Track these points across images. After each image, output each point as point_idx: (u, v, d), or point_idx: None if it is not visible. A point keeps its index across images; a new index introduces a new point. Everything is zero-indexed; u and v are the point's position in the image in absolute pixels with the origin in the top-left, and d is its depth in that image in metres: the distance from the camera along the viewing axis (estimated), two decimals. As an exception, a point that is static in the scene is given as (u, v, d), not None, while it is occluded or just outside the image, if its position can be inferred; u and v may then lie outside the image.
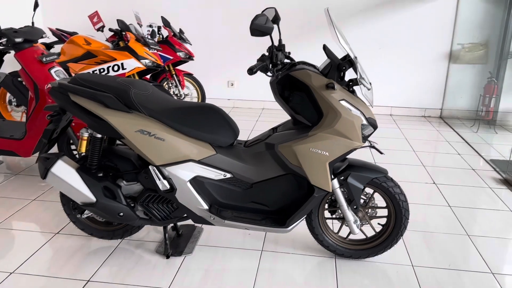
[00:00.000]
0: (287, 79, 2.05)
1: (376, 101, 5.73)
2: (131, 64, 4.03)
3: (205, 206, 2.16)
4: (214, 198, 2.19)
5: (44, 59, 3.10)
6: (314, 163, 2.03)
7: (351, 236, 2.42)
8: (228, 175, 2.15)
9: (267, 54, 2.09)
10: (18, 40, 3.02)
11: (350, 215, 2.21)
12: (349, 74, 2.12)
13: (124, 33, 4.20)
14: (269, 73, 2.02)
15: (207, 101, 5.87)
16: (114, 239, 2.47)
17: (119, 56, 4.04)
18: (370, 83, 2.14)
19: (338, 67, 2.02)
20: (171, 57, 4.74)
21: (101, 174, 2.21)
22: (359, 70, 2.04)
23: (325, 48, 2.03)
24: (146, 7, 5.63)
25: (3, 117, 4.46)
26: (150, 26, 4.82)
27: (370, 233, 2.46)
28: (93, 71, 4.05)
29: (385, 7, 5.36)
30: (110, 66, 4.04)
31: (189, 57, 4.91)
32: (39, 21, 5.84)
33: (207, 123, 2.12)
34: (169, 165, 2.10)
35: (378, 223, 2.38)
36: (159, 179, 2.11)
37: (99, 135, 2.16)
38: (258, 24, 1.80)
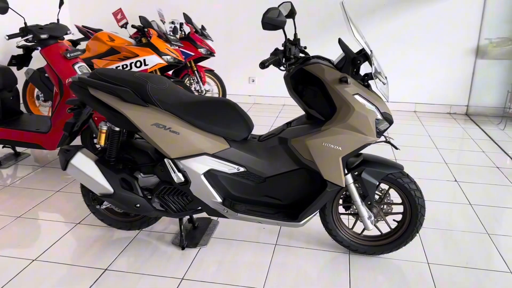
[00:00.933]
0: (301, 73, 2.06)
1: (400, 97, 5.64)
2: (153, 60, 4.10)
3: (219, 199, 2.18)
4: (227, 192, 2.22)
5: (68, 55, 3.20)
6: (327, 157, 2.02)
7: (366, 232, 2.40)
8: (242, 169, 2.17)
9: (281, 48, 2.09)
10: (44, 36, 3.12)
11: (364, 211, 2.20)
12: (365, 69, 2.11)
13: (146, 30, 4.28)
14: (282, 67, 2.02)
15: (228, 97, 5.91)
16: (132, 229, 2.54)
17: (141, 52, 4.11)
18: (386, 77, 2.11)
19: (353, 61, 2.00)
20: (193, 54, 4.79)
21: (119, 167, 2.27)
22: (375, 64, 2.02)
23: (340, 41, 2.02)
24: (169, 4, 5.71)
25: (31, 111, 4.62)
26: (172, 22, 4.89)
27: (385, 229, 2.44)
28: (116, 67, 4.14)
29: (409, 0, 5.26)
30: (132, 62, 4.11)
31: (210, 53, 4.95)
32: (66, 18, 6.00)
33: (221, 117, 2.14)
34: (184, 158, 2.13)
35: (394, 220, 2.35)
36: (174, 172, 2.15)
37: (117, 128, 2.22)
38: (270, 18, 1.81)
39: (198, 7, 5.71)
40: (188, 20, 4.87)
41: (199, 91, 5.00)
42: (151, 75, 2.24)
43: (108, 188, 2.20)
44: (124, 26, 4.61)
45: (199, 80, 4.97)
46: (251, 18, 5.65)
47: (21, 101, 4.99)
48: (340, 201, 2.33)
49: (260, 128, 4.78)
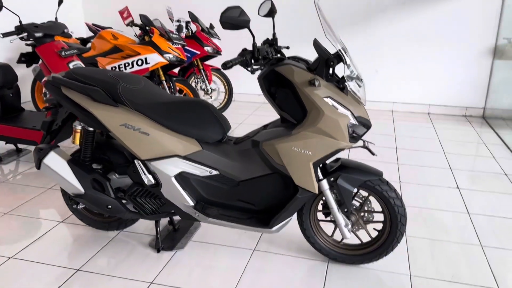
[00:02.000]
0: (273, 74, 1.98)
1: (413, 99, 5.45)
2: (154, 59, 4.09)
3: (191, 203, 2.14)
4: (200, 195, 2.16)
5: (63, 53, 3.22)
6: (297, 162, 1.94)
7: (346, 241, 2.30)
8: (214, 172, 2.11)
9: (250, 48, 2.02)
10: (38, 35, 3.15)
11: (341, 218, 2.10)
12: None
13: (149, 28, 4.27)
14: (249, 68, 1.95)
15: (236, 96, 5.86)
16: (110, 230, 2.52)
17: (142, 50, 4.11)
18: (362, 80, 2.01)
19: (326, 63, 1.91)
20: (198, 52, 4.76)
21: (92, 167, 2.25)
22: (351, 66, 1.92)
23: (315, 42, 1.94)
24: (179, 2, 5.70)
25: (39, 108, 4.70)
26: (178, 21, 4.87)
27: (366, 238, 2.33)
28: (119, 65, 4.16)
29: (424, -1, 5.07)
30: (134, 61, 4.12)
31: (217, 52, 4.91)
32: (79, 16, 6.09)
33: (194, 118, 2.09)
34: (154, 159, 2.09)
35: (374, 228, 2.24)
36: (144, 174, 2.11)
37: (91, 128, 2.20)
38: (229, 17, 1.74)
39: (208, 5, 5.67)
40: (193, 18, 4.85)
41: (205, 90, 4.97)
42: (127, 74, 2.21)
43: (79, 188, 2.18)
44: (130, 24, 4.63)
45: (205, 78, 4.94)
46: (260, 17, 5.57)
47: (30, 98, 5.10)
48: (320, 207, 2.24)
49: (264, 128, 4.70)
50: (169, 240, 2.46)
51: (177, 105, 2.11)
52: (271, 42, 2.13)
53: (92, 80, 2.11)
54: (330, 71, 1.95)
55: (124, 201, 2.26)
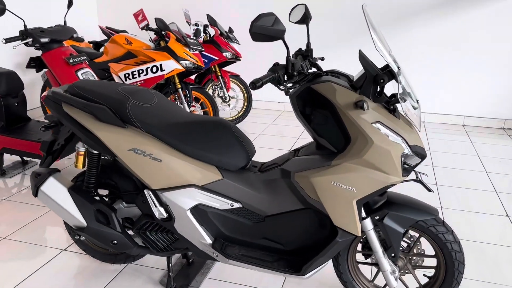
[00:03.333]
0: (309, 93, 1.66)
1: (447, 109, 5.06)
2: (170, 66, 3.80)
3: (208, 240, 1.83)
4: (219, 231, 1.85)
5: (71, 60, 2.95)
6: (337, 200, 1.62)
7: (389, 286, 1.97)
8: (236, 205, 1.80)
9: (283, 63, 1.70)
10: (44, 40, 2.89)
11: (386, 263, 1.77)
12: (392, 89, 1.68)
13: (164, 33, 3.99)
14: (281, 87, 1.63)
15: (255, 104, 5.55)
16: (117, 263, 2.23)
17: (158, 56, 3.83)
18: (418, 100, 1.67)
19: (375, 80, 1.58)
20: (216, 58, 4.47)
21: (96, 195, 1.97)
22: (402, 83, 1.59)
23: (360, 54, 1.61)
24: (197, 5, 5.42)
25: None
26: (196, 24, 4.59)
27: (413, 284, 1.99)
28: (132, 72, 3.88)
29: (457, 2, 4.69)
30: (149, 67, 3.84)
31: (236, 57, 4.61)
32: (93, 20, 5.85)
33: (213, 142, 1.79)
34: (167, 189, 1.79)
35: (424, 275, 1.90)
36: (155, 206, 1.81)
37: (96, 151, 1.92)
38: (261, 27, 1.43)
39: (227, 7, 5.38)
40: (212, 22, 4.55)
41: (223, 97, 4.67)
42: (139, 89, 1.92)
43: (81, 220, 1.89)
44: (145, 28, 4.36)
45: (223, 85, 4.64)
46: (281, 20, 5.25)
47: (39, 104, 4.87)
48: (359, 247, 1.92)
49: (287, 140, 4.38)
50: (183, 276, 2.16)
51: (195, 126, 1.80)
52: (305, 54, 1.81)
53: (97, 96, 1.82)
54: (378, 90, 1.62)
55: (131, 234, 1.96)
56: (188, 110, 4.04)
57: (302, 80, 1.65)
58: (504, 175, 3.56)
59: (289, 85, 1.63)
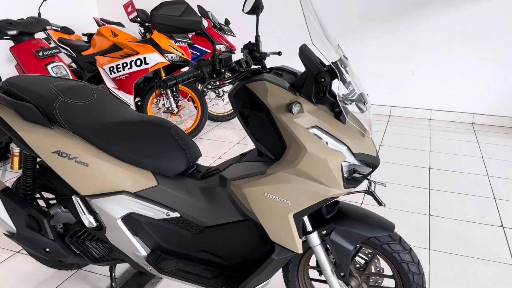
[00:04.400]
0: (246, 92, 1.47)
1: (455, 106, 4.75)
2: (153, 59, 3.66)
3: (143, 252, 1.68)
4: (156, 242, 1.70)
5: (40, 54, 2.84)
6: (272, 213, 1.43)
7: (346, 307, 1.77)
8: (173, 214, 1.64)
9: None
10: (12, 32, 2.78)
11: (335, 283, 1.57)
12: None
13: (149, 25, 3.85)
14: (209, 86, 1.45)
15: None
16: (63, 269, 2.11)
17: (141, 49, 3.69)
18: (366, 102, 1.46)
19: (316, 78, 1.38)
20: (208, 51, 4.31)
21: (31, 198, 1.84)
22: (348, 82, 1.39)
23: (301, 50, 1.41)
24: (196, -4, 5.26)
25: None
26: (187, 16, 4.41)
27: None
28: (116, 65, 3.76)
29: (471, -8, 4.37)
30: (133, 61, 3.71)
31: (230, 50, 4.43)
32: (92, 11, 5.76)
33: (148, 144, 1.63)
34: (96, 196, 1.64)
35: (383, 296, 1.70)
36: (84, 214, 1.67)
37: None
38: (166, 17, 1.24)
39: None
40: (203, 13, 4.38)
41: (216, 92, 4.51)
42: (75, 85, 1.77)
43: (11, 225, 1.77)
44: (134, 19, 4.23)
45: (216, 80, 4.47)
46: (284, 10, 5.04)
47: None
48: (312, 262, 1.73)
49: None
50: (133, 285, 2.02)
51: (129, 126, 1.65)
52: (251, 48, 1.62)
53: (27, 93, 1.68)
54: (322, 90, 1.42)
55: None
56: (174, 105, 3.90)
57: (237, 78, 1.47)
58: (508, 180, 3.27)
59: (213, 83, 1.44)
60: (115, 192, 1.63)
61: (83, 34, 4.83)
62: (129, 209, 1.64)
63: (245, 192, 1.45)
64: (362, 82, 1.53)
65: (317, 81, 1.39)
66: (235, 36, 4.60)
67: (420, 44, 4.67)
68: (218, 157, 3.68)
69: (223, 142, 4.07)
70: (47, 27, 3.01)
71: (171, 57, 3.72)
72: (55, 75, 2.88)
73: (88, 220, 1.66)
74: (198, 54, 4.32)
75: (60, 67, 2.95)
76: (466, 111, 4.73)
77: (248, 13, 1.67)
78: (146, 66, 3.69)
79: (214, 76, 1.40)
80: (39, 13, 3.18)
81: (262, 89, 1.40)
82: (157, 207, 1.64)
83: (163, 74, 3.87)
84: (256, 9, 1.65)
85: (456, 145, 4.02)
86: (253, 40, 1.62)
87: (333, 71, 1.38)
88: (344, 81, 1.38)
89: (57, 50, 2.96)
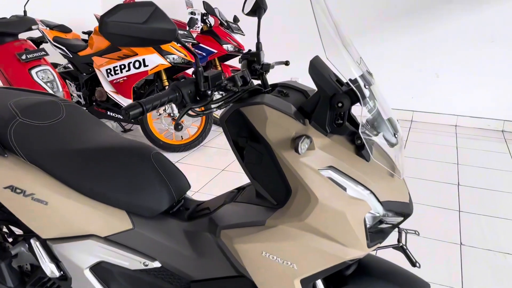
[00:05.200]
0: (241, 117, 1.15)
1: (483, 112, 4.35)
2: (153, 60, 3.36)
3: (115, 309, 1.37)
4: (132, 297, 1.39)
5: (23, 57, 2.56)
6: (271, 277, 1.11)
7: None
8: (152, 264, 1.33)
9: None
10: (-10, 33, 2.50)
11: None
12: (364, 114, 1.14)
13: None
14: (191, 112, 1.13)
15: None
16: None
17: (141, 50, 3.39)
18: (396, 133, 1.12)
19: (331, 102, 1.05)
20: (215, 51, 3.98)
21: None
22: (372, 106, 1.06)
23: (312, 64, 1.08)
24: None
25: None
26: (192, 13, 4.10)
27: None
28: (114, 67, 3.47)
29: (505, -14, 3.95)
30: (131, 62, 3.41)
31: (239, 50, 4.10)
32: (96, 9, 5.48)
33: (123, 176, 1.32)
34: (59, 240, 1.34)
35: None
36: (44, 262, 1.37)
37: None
38: (123, 25, 0.90)
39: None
40: (209, 10, 4.05)
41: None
42: (39, 102, 1.47)
43: (-39, 271, 1.48)
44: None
45: (223, 82, 4.15)
46: (296, 7, 4.68)
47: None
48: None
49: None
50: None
51: (99, 153, 1.34)
52: (250, 59, 1.30)
53: (-20, 112, 1.38)
54: (341, 115, 1.09)
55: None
56: (176, 110, 3.59)
57: (229, 101, 1.14)
58: (548, 200, 2.89)
59: (196, 110, 1.11)
60: (81, 236, 1.33)
61: (84, 33, 4.56)
62: (99, 257, 1.34)
63: (237, 248, 1.13)
64: (389, 105, 1.19)
65: (332, 106, 1.05)
66: (244, 35, 4.27)
67: (445, 44, 4.27)
68: (223, 169, 3.36)
69: (230, 150, 3.75)
70: (33, 27, 2.73)
71: (173, 59, 3.41)
72: (40, 81, 2.59)
73: (49, 268, 1.36)
74: (204, 54, 4.00)
75: (47, 72, 2.67)
76: (495, 117, 4.33)
77: (248, 14, 1.37)
78: (146, 69, 3.39)
79: (198, 99, 1.07)
80: (24, 11, 2.90)
81: (260, 116, 1.07)
82: (132, 255, 1.33)
83: (164, 77, 3.56)
84: (258, 10, 1.35)
85: (486, 157, 3.63)
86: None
87: (353, 93, 1.04)
88: (367, 105, 1.05)
89: (43, 53, 2.67)
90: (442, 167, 3.40)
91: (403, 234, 1.23)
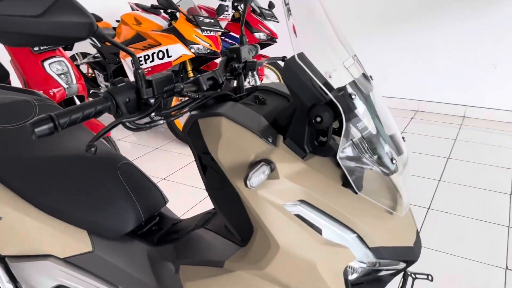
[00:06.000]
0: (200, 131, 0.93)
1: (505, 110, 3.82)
2: (176, 51, 3.19)
3: (77, 338, 1.21)
4: (96, 326, 1.23)
5: (36, 48, 2.47)
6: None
7: None
8: (115, 293, 1.15)
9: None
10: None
11: None
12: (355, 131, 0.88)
13: (172, 11, 3.36)
14: (129, 125, 0.92)
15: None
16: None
17: (164, 40, 3.23)
18: (392, 160, 0.85)
19: (309, 115, 0.81)
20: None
21: None
22: (361, 119, 0.81)
23: (286, 65, 0.85)
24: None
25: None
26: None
27: None
28: (138, 58, 3.34)
29: None
30: (155, 53, 3.27)
31: (272, 38, 3.85)
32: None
33: (84, 191, 1.15)
34: (17, 259, 1.20)
35: None
36: (2, 281, 1.23)
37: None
38: (4, 19, 0.70)
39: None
40: (240, -5, 3.82)
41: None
42: (10, 102, 1.33)
43: None
44: (155, 6, 3.76)
45: (254, 73, 3.92)
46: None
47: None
48: None
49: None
50: None
51: (62, 164, 1.18)
52: (230, 55, 1.08)
53: None
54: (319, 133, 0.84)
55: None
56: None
57: (183, 108, 0.92)
58: None
59: (137, 122, 0.89)
60: (40, 256, 1.18)
61: (117, 21, 4.48)
62: (57, 280, 1.18)
63: (189, 293, 0.92)
64: (392, 118, 0.92)
65: (311, 120, 0.81)
66: (278, 22, 4.00)
67: (505, 31, 3.77)
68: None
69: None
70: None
71: (197, 49, 3.22)
72: (53, 73, 2.50)
73: (6, 289, 1.23)
74: (234, 43, 3.79)
75: (62, 63, 2.57)
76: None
77: (235, 1, 1.12)
78: (169, 59, 3.23)
79: (140, 109, 0.86)
80: None
81: (214, 131, 0.85)
82: (93, 280, 1.16)
83: (189, 68, 3.39)
84: None
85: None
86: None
87: (334, 104, 0.79)
88: (353, 119, 0.79)
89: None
90: (495, 172, 2.99)
91: (410, 281, 0.97)
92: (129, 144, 3.54)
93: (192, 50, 3.19)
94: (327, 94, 0.82)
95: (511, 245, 2.19)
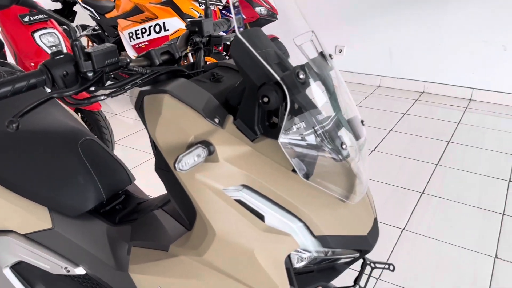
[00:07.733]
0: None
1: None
2: (173, 24, 3.13)
3: (39, 314, 1.21)
4: (58, 302, 1.22)
5: (26, 19, 2.42)
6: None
7: None
8: (75, 270, 1.13)
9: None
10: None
11: None
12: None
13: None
14: (67, 100, 0.87)
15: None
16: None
17: (161, 13, 3.16)
18: (359, 134, 0.80)
19: (258, 95, 0.76)
20: (244, 16, 3.65)
21: None
22: (314, 101, 0.76)
23: (237, 38, 0.79)
24: None
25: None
26: (223, -28, 3.77)
27: None
28: (135, 31, 3.29)
29: None
30: (152, 26, 3.21)
31: (272, 14, 3.75)
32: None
33: (45, 167, 1.13)
34: (-21, 233, 1.19)
35: None
36: (-39, 255, 1.23)
37: None
38: None
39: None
40: (241, -32, 3.71)
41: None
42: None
43: None
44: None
45: (255, 50, 3.83)
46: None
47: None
48: None
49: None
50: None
51: (29, 138, 1.16)
52: (192, 29, 1.03)
53: None
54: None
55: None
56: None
57: (127, 84, 0.87)
58: None
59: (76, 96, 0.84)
60: (0, 231, 1.17)
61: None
62: (18, 256, 1.17)
63: (132, 278, 0.89)
64: (351, 100, 0.86)
65: (259, 101, 0.76)
66: (281, -3, 3.89)
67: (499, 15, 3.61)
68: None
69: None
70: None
71: (194, 23, 3.14)
72: (43, 45, 2.46)
73: (-33, 263, 1.22)
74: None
75: (53, 35, 2.52)
76: None
77: None
78: (166, 33, 3.18)
79: (78, 84, 0.81)
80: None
81: (155, 110, 0.80)
82: (53, 258, 1.14)
83: (187, 43, 3.32)
84: None
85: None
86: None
87: (288, 84, 0.74)
88: (301, 100, 0.74)
89: (45, 16, 2.52)
90: (496, 158, 2.90)
91: (368, 270, 0.92)
92: (127, 118, 3.52)
93: (189, 24, 3.12)
94: (286, 71, 0.77)
95: (503, 233, 2.13)
